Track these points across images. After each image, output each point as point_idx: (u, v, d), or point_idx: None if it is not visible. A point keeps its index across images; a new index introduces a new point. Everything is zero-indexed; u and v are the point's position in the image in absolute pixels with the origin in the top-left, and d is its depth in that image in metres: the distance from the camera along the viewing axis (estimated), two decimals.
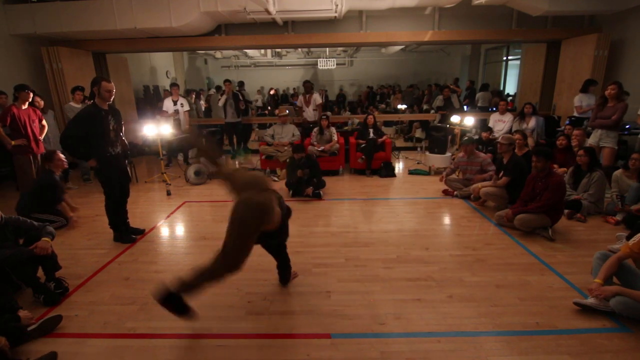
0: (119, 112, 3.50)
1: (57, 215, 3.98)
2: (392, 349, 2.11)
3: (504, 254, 3.25)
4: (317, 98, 6.95)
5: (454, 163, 5.09)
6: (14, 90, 4.48)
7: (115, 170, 3.46)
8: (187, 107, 6.99)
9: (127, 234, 3.68)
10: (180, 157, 7.35)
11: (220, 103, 7.20)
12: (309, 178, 4.98)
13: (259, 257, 3.26)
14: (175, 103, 6.81)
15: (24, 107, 4.44)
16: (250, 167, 6.84)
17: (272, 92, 13.09)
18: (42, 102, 5.36)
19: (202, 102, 10.25)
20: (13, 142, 4.38)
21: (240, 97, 7.44)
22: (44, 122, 4.78)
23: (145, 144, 6.99)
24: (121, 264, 3.22)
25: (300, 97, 7.19)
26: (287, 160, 5.95)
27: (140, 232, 3.80)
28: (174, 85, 7.09)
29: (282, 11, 6.05)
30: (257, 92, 14.25)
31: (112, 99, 3.32)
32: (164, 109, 6.78)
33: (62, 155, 4.04)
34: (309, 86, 6.97)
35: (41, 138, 4.69)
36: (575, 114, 5.82)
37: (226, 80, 7.33)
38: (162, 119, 6.29)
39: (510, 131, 6.19)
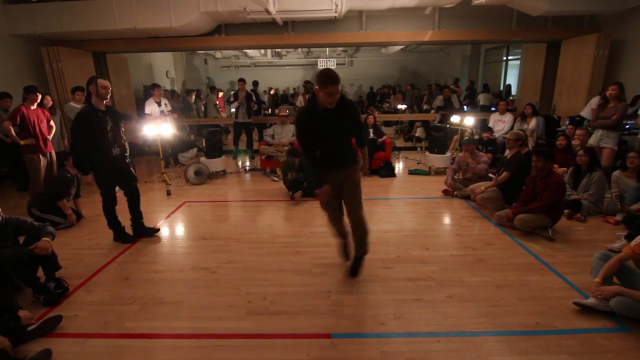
0: (117, 114, 3.48)
1: (61, 217, 4.00)
2: (392, 349, 2.11)
3: (504, 254, 3.25)
4: None
5: (456, 163, 5.10)
6: (23, 91, 4.52)
7: (114, 172, 3.44)
8: (169, 107, 6.61)
9: (126, 234, 3.67)
10: (183, 156, 7.35)
11: (233, 107, 6.99)
12: (301, 181, 4.97)
13: (259, 258, 3.28)
14: (159, 104, 6.39)
15: (32, 108, 4.49)
16: (251, 167, 6.85)
17: (272, 92, 13.10)
18: (51, 101, 5.36)
19: (202, 102, 10.24)
20: (22, 142, 4.44)
21: (253, 98, 7.33)
22: (51, 122, 4.81)
23: (146, 144, 6.98)
24: (121, 264, 3.22)
25: (300, 97, 7.19)
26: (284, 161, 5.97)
27: (156, 231, 3.79)
28: (156, 86, 6.57)
29: (282, 11, 6.05)
30: (264, 93, 14.27)
31: (108, 97, 3.30)
32: (148, 112, 6.29)
33: None
34: (309, 87, 6.97)
35: (49, 137, 4.73)
36: (584, 114, 5.75)
37: (240, 80, 7.11)
38: (151, 122, 5.84)
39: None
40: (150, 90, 6.47)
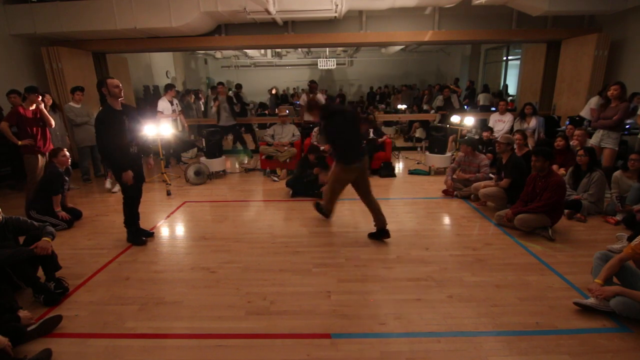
0: (134, 110, 3.47)
1: (58, 219, 3.99)
2: (392, 349, 2.11)
3: (504, 254, 3.25)
4: (320, 99, 6.93)
5: (456, 162, 5.09)
6: (24, 90, 4.52)
7: (133, 169, 3.43)
8: (180, 107, 6.80)
9: (139, 235, 3.65)
10: (184, 156, 7.37)
11: (214, 110, 7.02)
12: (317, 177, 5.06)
13: (259, 258, 3.28)
14: (172, 103, 6.54)
15: (31, 108, 4.48)
16: (250, 167, 6.85)
17: (273, 91, 13.12)
18: (50, 100, 5.37)
19: (202, 103, 10.24)
20: (20, 142, 4.43)
21: (235, 100, 7.40)
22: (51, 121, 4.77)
23: (146, 144, 6.97)
24: (121, 264, 3.22)
25: (303, 96, 7.16)
26: (287, 160, 5.97)
27: (150, 235, 3.78)
28: (172, 86, 6.73)
29: (282, 11, 6.05)
30: (268, 92, 14.36)
31: (122, 94, 3.30)
32: (160, 109, 6.40)
33: (67, 153, 4.16)
34: (314, 87, 6.93)
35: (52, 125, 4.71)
36: (584, 114, 5.74)
37: (219, 83, 7.20)
38: (163, 120, 6.09)
39: (510, 131, 6.20)
40: (166, 90, 6.57)
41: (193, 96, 10.09)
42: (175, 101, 6.67)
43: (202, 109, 10.03)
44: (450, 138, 6.56)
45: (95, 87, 3.29)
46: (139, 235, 3.65)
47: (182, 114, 6.74)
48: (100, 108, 3.29)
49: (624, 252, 2.41)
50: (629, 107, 4.52)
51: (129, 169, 3.35)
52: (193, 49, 11.31)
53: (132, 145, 3.41)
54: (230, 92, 9.95)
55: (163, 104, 6.40)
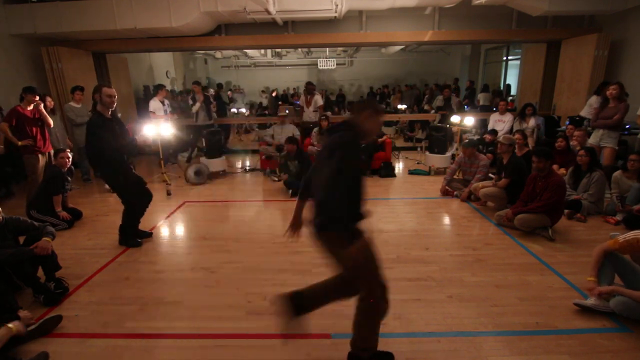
0: (119, 120, 3.49)
1: (58, 219, 3.99)
2: (392, 349, 2.11)
3: (504, 254, 3.25)
4: (318, 100, 6.93)
5: (456, 162, 5.09)
6: (22, 91, 4.52)
7: (131, 175, 3.43)
8: (170, 108, 6.87)
9: (133, 237, 3.62)
10: (182, 155, 7.38)
11: (194, 109, 6.88)
12: (298, 172, 5.04)
13: (259, 257, 3.28)
14: (163, 103, 6.55)
15: (29, 108, 4.48)
16: (252, 167, 6.85)
17: (273, 93, 13.13)
18: (52, 102, 5.37)
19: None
20: (20, 143, 4.43)
21: (211, 100, 7.40)
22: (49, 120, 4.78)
23: (146, 144, 6.97)
24: (121, 264, 3.22)
25: (302, 97, 7.16)
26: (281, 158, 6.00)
27: (149, 235, 3.77)
28: (162, 86, 6.77)
29: (282, 11, 6.05)
30: (261, 93, 14.41)
31: (114, 105, 3.28)
32: (152, 110, 6.41)
33: (68, 155, 4.20)
34: (311, 88, 6.94)
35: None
36: (584, 114, 5.73)
37: (195, 83, 7.11)
38: (154, 121, 5.97)
39: (510, 131, 6.19)
40: (156, 90, 6.59)
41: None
42: (167, 102, 6.68)
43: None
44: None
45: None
46: (134, 237, 3.62)
47: (171, 115, 6.76)
48: (90, 113, 3.28)
49: (607, 243, 2.41)
50: (628, 106, 4.52)
51: (124, 176, 3.36)
52: (193, 49, 11.31)
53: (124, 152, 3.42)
54: (211, 91, 9.98)
55: (155, 104, 6.40)
